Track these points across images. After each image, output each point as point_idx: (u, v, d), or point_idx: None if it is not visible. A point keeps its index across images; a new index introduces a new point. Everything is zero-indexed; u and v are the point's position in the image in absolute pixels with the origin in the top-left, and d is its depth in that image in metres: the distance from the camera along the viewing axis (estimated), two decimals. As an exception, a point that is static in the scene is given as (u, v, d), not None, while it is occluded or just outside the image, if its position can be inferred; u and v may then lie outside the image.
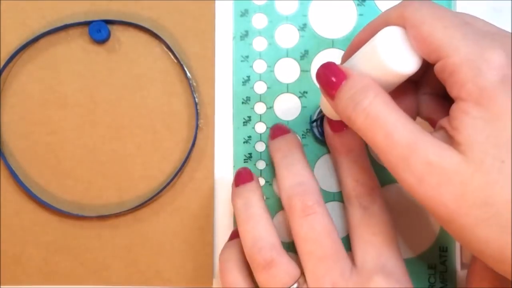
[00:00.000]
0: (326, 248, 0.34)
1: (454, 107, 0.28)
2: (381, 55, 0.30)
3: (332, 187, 0.40)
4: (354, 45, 0.34)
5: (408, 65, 0.30)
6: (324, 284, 0.33)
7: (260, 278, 0.34)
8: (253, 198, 0.36)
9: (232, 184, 0.38)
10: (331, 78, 0.31)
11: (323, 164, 0.40)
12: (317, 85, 0.37)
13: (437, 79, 0.30)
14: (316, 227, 0.34)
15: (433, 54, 0.28)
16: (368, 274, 0.33)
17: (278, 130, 0.38)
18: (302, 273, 0.35)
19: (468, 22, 0.29)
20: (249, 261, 0.35)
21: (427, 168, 0.27)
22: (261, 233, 0.35)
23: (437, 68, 0.29)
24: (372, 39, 0.31)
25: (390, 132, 0.28)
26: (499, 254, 0.27)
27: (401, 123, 0.28)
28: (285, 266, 0.34)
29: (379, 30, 0.31)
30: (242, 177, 0.37)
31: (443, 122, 0.29)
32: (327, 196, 0.40)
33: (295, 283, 0.34)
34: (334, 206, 0.40)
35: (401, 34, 0.30)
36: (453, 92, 0.28)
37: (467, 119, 0.27)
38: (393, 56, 0.30)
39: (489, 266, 0.28)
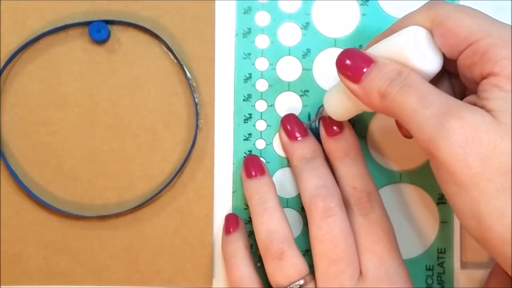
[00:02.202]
0: (340, 251, 0.34)
1: (484, 82, 0.29)
2: (408, 53, 0.30)
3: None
4: (372, 44, 0.34)
5: (432, 64, 0.31)
6: (333, 285, 0.34)
7: (268, 268, 0.36)
8: (268, 193, 0.37)
9: (242, 173, 0.39)
10: (357, 61, 0.32)
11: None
12: (322, 81, 0.38)
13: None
14: (334, 230, 0.35)
15: (462, 43, 0.30)
16: (371, 282, 0.34)
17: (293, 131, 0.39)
18: (310, 272, 0.36)
19: (486, 14, 0.30)
20: (261, 251, 0.36)
21: (459, 122, 0.27)
22: (276, 226, 0.36)
23: (466, 54, 0.30)
24: (393, 36, 0.32)
25: (424, 94, 0.29)
26: (510, 231, 0.26)
27: (435, 89, 0.29)
28: (293, 259, 0.35)
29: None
30: (255, 169, 0.38)
31: (470, 98, 0.30)
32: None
33: (301, 279, 0.35)
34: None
35: (425, 33, 0.31)
36: (484, 70, 0.29)
37: (498, 91, 0.28)
38: (419, 54, 0.31)
39: (488, 251, 0.28)
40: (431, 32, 0.31)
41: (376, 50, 0.32)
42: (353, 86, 0.32)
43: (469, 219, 0.28)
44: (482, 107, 0.28)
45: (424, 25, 0.31)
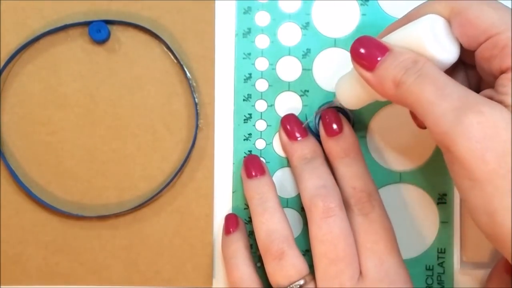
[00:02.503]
0: (340, 251, 0.34)
1: (503, 77, 0.28)
2: (425, 41, 0.30)
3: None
4: (387, 32, 0.34)
5: (449, 54, 0.31)
6: (333, 285, 0.34)
7: (269, 268, 0.36)
8: (268, 193, 0.37)
9: (242, 173, 0.39)
10: (372, 50, 0.31)
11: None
12: (322, 81, 0.39)
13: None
14: (334, 230, 0.35)
15: (481, 35, 0.29)
16: (371, 282, 0.34)
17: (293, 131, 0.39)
18: (311, 273, 0.36)
19: (508, 7, 0.30)
20: (261, 251, 0.36)
21: (478, 117, 0.27)
22: (276, 226, 0.36)
23: (485, 46, 0.29)
24: (410, 24, 0.31)
25: (441, 86, 0.28)
26: None
27: (452, 81, 0.29)
28: (293, 259, 0.35)
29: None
30: (255, 169, 0.38)
31: (487, 92, 0.29)
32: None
33: (301, 279, 0.35)
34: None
35: (443, 22, 0.31)
36: (504, 64, 0.28)
37: None
38: (437, 43, 0.30)
39: (498, 247, 0.28)
40: (449, 21, 0.31)
41: (392, 39, 0.32)
42: (367, 74, 0.31)
43: (481, 214, 0.28)
44: (500, 102, 0.28)
45: (442, 14, 0.31)
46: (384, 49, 0.31)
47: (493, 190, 0.27)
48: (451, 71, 0.33)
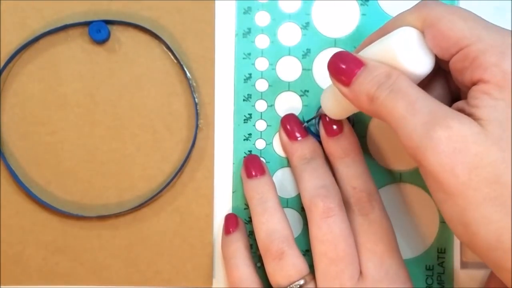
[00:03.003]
0: (340, 251, 0.34)
1: (474, 88, 0.28)
2: (398, 55, 0.30)
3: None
4: (364, 45, 0.34)
5: (423, 65, 0.31)
6: (333, 285, 0.34)
7: (269, 268, 0.36)
8: (268, 193, 0.37)
9: (242, 173, 0.39)
10: (348, 64, 0.31)
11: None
12: (322, 81, 0.39)
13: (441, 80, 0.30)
14: (334, 230, 0.35)
15: (453, 47, 0.29)
16: (371, 282, 0.34)
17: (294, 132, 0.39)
18: (311, 273, 0.36)
19: (479, 17, 0.30)
20: (261, 251, 0.36)
21: (447, 132, 0.27)
22: (276, 226, 0.36)
23: (457, 58, 0.29)
24: (385, 37, 0.32)
25: (412, 101, 0.29)
26: (496, 238, 0.27)
27: (423, 95, 0.29)
28: (293, 259, 0.35)
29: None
30: (255, 168, 0.38)
31: (460, 104, 0.29)
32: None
33: (301, 279, 0.35)
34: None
35: (416, 34, 0.31)
36: (474, 76, 0.28)
37: (488, 99, 0.27)
38: (410, 56, 0.30)
39: (476, 254, 0.28)
40: (422, 32, 0.31)
41: (367, 53, 0.32)
42: (344, 89, 0.32)
43: (456, 225, 0.28)
44: (471, 115, 0.28)
45: (415, 26, 0.31)
46: (359, 64, 0.31)
47: (466, 202, 0.27)
48: (431, 77, 0.33)
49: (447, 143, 0.27)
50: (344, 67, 0.32)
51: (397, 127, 0.29)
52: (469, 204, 0.27)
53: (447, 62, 0.31)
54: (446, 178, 0.27)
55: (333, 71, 0.32)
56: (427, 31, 0.30)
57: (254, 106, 0.40)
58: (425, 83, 0.33)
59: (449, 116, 0.27)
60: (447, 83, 0.34)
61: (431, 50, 0.31)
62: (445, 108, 0.28)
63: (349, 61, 0.32)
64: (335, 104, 0.35)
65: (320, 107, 0.39)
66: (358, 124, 0.40)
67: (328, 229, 0.35)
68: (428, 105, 0.28)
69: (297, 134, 0.38)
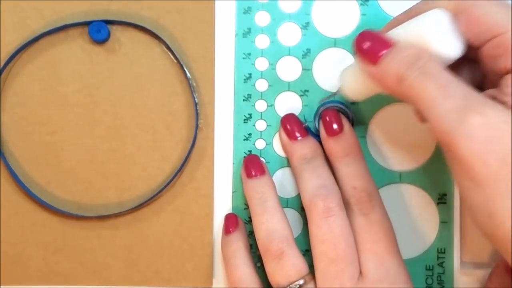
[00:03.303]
0: (340, 251, 0.34)
1: (508, 76, 0.28)
2: (430, 36, 0.30)
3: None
4: (392, 26, 0.34)
5: (454, 49, 0.30)
6: (333, 285, 0.34)
7: (269, 268, 0.36)
8: (268, 193, 0.37)
9: (242, 173, 0.39)
10: (376, 43, 0.31)
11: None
12: (322, 81, 0.39)
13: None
14: (334, 230, 0.35)
15: (486, 33, 0.29)
16: (371, 282, 0.34)
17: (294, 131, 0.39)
18: (311, 272, 0.36)
19: None
20: (261, 251, 0.36)
21: (481, 119, 0.26)
22: (276, 226, 0.36)
23: (490, 45, 0.29)
24: (415, 19, 0.31)
25: (443, 84, 0.28)
26: None
27: (455, 79, 0.28)
28: (293, 259, 0.35)
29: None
30: (255, 168, 0.38)
31: (491, 91, 0.29)
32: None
33: (301, 279, 0.35)
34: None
35: (448, 18, 0.30)
36: (509, 64, 0.28)
37: None
38: (442, 39, 0.30)
39: (496, 246, 0.28)
40: (455, 16, 0.31)
41: (395, 33, 0.32)
42: (370, 68, 0.31)
43: (481, 214, 0.27)
44: (503, 103, 0.28)
45: (447, 9, 0.31)
46: (387, 44, 0.31)
47: (494, 192, 0.26)
48: (456, 65, 0.32)
49: (481, 130, 0.26)
50: (373, 45, 0.31)
51: (427, 110, 0.28)
52: (497, 194, 0.26)
53: (475, 49, 0.30)
54: (477, 166, 0.26)
55: (359, 49, 0.32)
56: (460, 16, 0.30)
57: (254, 106, 0.40)
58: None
59: (484, 103, 0.27)
60: (472, 72, 0.34)
61: (461, 35, 0.30)
62: (478, 94, 0.28)
63: (378, 39, 0.31)
64: (357, 84, 0.35)
65: (320, 106, 0.39)
66: (358, 124, 0.40)
67: (328, 229, 0.35)
68: (461, 90, 0.28)
69: (297, 134, 0.38)
